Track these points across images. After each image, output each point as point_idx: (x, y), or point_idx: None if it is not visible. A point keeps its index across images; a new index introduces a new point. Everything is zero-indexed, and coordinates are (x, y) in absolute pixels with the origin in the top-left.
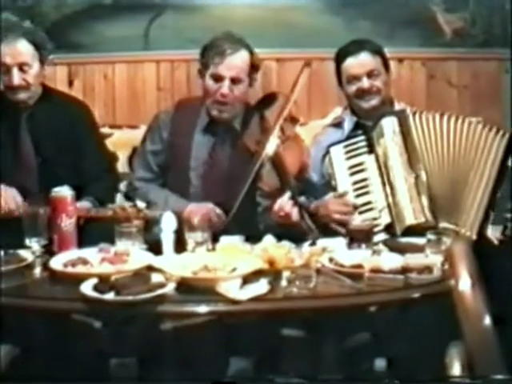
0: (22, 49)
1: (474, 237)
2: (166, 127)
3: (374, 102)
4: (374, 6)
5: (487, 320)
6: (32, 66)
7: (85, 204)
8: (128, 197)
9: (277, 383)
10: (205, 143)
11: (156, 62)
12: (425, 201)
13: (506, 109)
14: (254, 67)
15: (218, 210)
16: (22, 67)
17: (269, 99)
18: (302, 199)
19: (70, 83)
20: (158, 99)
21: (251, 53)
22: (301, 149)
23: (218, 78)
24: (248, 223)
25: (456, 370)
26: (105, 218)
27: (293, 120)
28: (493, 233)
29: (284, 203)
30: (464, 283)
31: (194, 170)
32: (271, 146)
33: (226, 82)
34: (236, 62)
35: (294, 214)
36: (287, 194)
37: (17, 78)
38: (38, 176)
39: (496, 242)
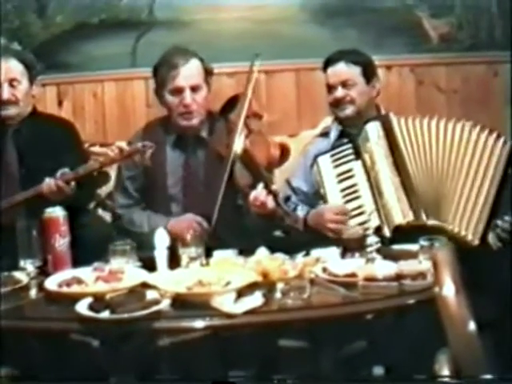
0: (12, 66)
1: (477, 242)
2: None
3: (348, 111)
4: (360, 14)
5: (471, 326)
6: (21, 83)
7: (65, 170)
8: (115, 226)
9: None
10: (177, 159)
11: (144, 79)
12: (412, 200)
13: (502, 111)
14: (207, 72)
15: (199, 218)
16: (11, 83)
17: (231, 103)
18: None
19: (60, 103)
20: (148, 116)
21: (201, 60)
22: (266, 142)
23: (177, 91)
24: (236, 232)
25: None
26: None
27: (256, 116)
28: (493, 239)
29: (258, 193)
30: (448, 289)
31: (172, 187)
32: (238, 144)
33: (187, 92)
34: (191, 70)
35: (270, 201)
36: (260, 185)
37: (6, 92)
38: (21, 186)
39: (495, 247)
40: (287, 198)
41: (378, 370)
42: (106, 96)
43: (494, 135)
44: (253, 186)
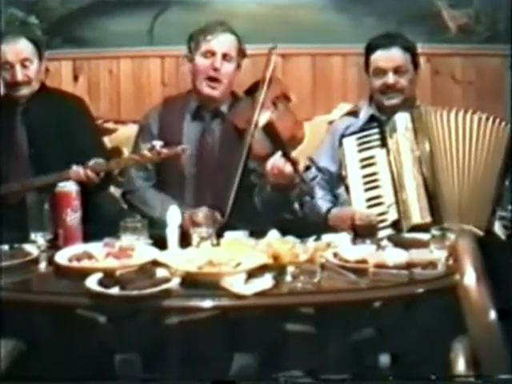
0: (23, 46)
1: (481, 233)
2: (155, 123)
3: (396, 100)
4: (380, 2)
5: (492, 315)
6: (33, 62)
7: (97, 160)
8: (125, 199)
9: (279, 382)
10: (194, 131)
11: (161, 58)
12: (433, 200)
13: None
14: (240, 51)
15: (214, 213)
16: (23, 63)
17: (257, 86)
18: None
19: (75, 78)
20: (163, 94)
21: (238, 40)
22: (293, 120)
23: (210, 53)
24: (248, 214)
25: (461, 365)
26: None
27: (285, 97)
28: (500, 228)
29: (277, 160)
30: (469, 278)
31: (186, 160)
32: (262, 117)
33: (218, 57)
34: (227, 40)
35: (288, 168)
36: (278, 153)
37: (20, 74)
38: (30, 166)
39: (503, 236)
40: (307, 168)
41: (385, 359)
42: (122, 73)
43: (498, 122)
44: (269, 157)
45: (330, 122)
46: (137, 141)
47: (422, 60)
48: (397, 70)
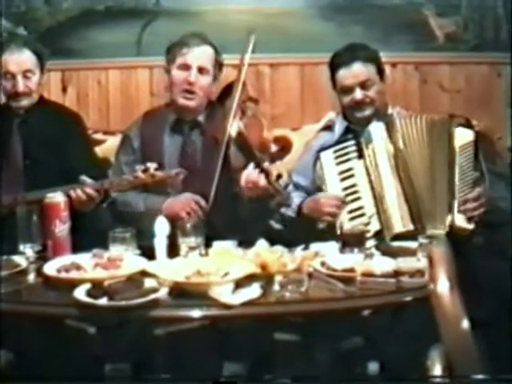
0: (26, 58)
1: (446, 229)
2: (137, 137)
3: (368, 112)
4: (367, 11)
5: (465, 323)
6: (35, 74)
7: (87, 179)
8: (111, 212)
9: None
10: (174, 144)
11: (149, 68)
12: (413, 208)
13: (504, 111)
14: (217, 63)
15: (196, 197)
16: (25, 74)
17: (228, 90)
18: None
19: (64, 89)
20: (152, 105)
21: (216, 51)
22: (260, 124)
23: (185, 67)
24: (236, 223)
25: (437, 372)
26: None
27: (252, 100)
28: (463, 219)
29: (249, 172)
30: (442, 286)
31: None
32: (233, 127)
33: (194, 71)
34: (203, 53)
35: (262, 180)
36: (251, 165)
37: (22, 85)
38: (24, 177)
39: (470, 226)
40: (278, 176)
41: (373, 366)
42: (111, 84)
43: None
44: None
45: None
46: (118, 155)
47: (409, 68)
48: (363, 85)
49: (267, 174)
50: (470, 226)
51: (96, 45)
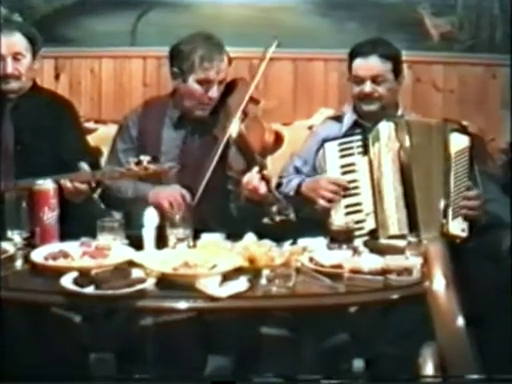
0: (17, 40)
1: (437, 236)
2: (135, 126)
3: (373, 107)
4: (362, 8)
5: (460, 321)
6: (25, 57)
7: (84, 166)
8: (103, 198)
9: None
10: (175, 138)
11: (143, 58)
12: (411, 213)
13: (498, 113)
14: (229, 64)
15: (183, 191)
16: (15, 56)
17: (230, 87)
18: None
19: (57, 77)
20: (144, 95)
21: (228, 58)
22: (262, 127)
23: (207, 82)
24: (225, 217)
25: (429, 370)
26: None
27: (253, 101)
28: (457, 226)
29: (251, 177)
30: (438, 283)
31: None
32: (234, 128)
33: (215, 86)
34: (224, 66)
35: (262, 186)
36: (255, 169)
37: (10, 66)
38: (15, 165)
39: (463, 234)
40: (279, 185)
41: (358, 363)
42: (103, 73)
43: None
44: (246, 171)
45: (310, 127)
46: (115, 142)
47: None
48: (374, 79)
49: (268, 181)
50: (464, 234)
51: (90, 33)
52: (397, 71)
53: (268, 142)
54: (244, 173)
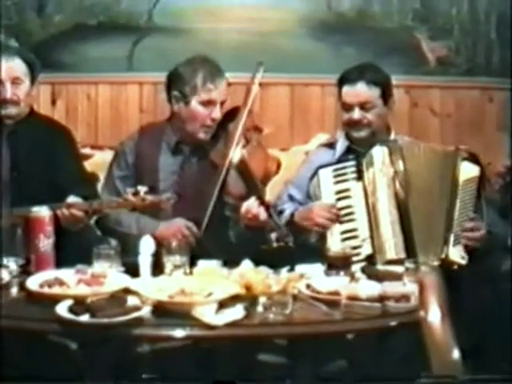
0: (16, 65)
1: (436, 262)
2: (132, 152)
3: (363, 133)
4: (359, 33)
5: (456, 353)
6: (24, 82)
7: (76, 199)
8: (100, 226)
9: None
10: (172, 164)
11: (139, 84)
12: (408, 237)
13: (495, 136)
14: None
15: (189, 223)
16: (14, 81)
17: (231, 114)
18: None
19: (53, 102)
20: (141, 121)
21: (227, 81)
22: (265, 155)
23: (210, 104)
24: (222, 243)
25: None
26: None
27: (256, 129)
28: (457, 253)
29: (251, 204)
30: (433, 315)
31: (163, 193)
32: (236, 154)
33: (218, 108)
34: (225, 86)
35: (262, 213)
36: (253, 197)
37: (9, 91)
38: (11, 191)
39: (463, 262)
40: (280, 212)
41: None
42: (100, 98)
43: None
44: (245, 197)
45: (307, 152)
46: (111, 168)
47: (400, 91)
48: (363, 106)
49: (268, 207)
50: (463, 262)
51: (87, 59)
52: (386, 96)
53: (271, 169)
54: (242, 199)
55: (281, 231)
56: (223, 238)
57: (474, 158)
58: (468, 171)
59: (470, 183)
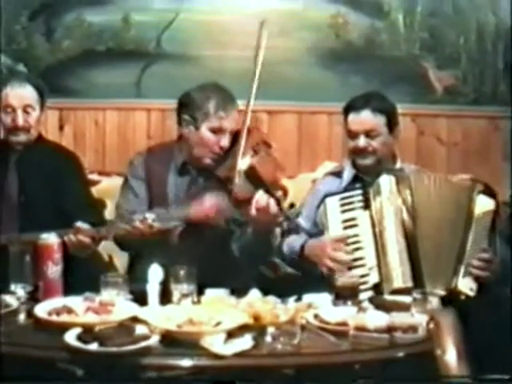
0: (28, 93)
1: (443, 293)
2: (142, 166)
3: (368, 161)
4: (366, 61)
5: None
6: (35, 109)
7: (83, 225)
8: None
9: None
10: (179, 184)
11: (147, 111)
12: (416, 266)
13: (501, 165)
14: None
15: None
16: (26, 109)
17: (236, 138)
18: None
19: (61, 128)
20: None
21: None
22: (275, 163)
23: (220, 131)
24: (230, 272)
25: None
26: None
27: (265, 144)
28: (467, 285)
29: (260, 197)
30: (450, 355)
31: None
32: (244, 162)
33: (227, 136)
34: (236, 116)
35: (272, 204)
36: (261, 191)
37: (21, 119)
38: (19, 216)
39: (471, 293)
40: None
41: None
42: (108, 125)
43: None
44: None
45: (314, 180)
46: (126, 180)
47: (407, 120)
48: (368, 133)
49: (278, 200)
50: (471, 293)
51: (95, 85)
52: (391, 125)
53: (279, 177)
54: (250, 202)
55: (291, 222)
56: (230, 264)
57: (489, 191)
58: (484, 204)
59: (486, 216)
